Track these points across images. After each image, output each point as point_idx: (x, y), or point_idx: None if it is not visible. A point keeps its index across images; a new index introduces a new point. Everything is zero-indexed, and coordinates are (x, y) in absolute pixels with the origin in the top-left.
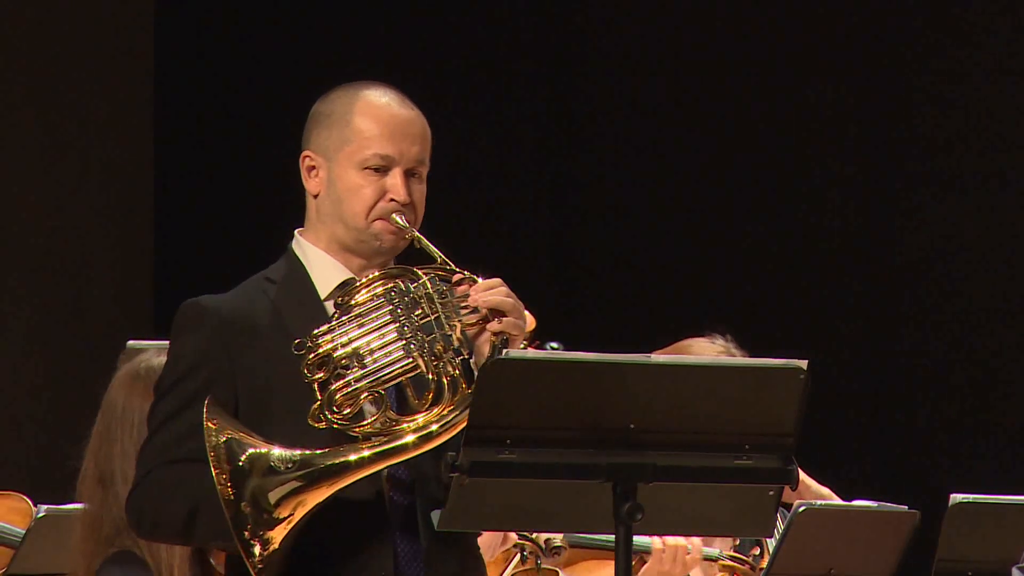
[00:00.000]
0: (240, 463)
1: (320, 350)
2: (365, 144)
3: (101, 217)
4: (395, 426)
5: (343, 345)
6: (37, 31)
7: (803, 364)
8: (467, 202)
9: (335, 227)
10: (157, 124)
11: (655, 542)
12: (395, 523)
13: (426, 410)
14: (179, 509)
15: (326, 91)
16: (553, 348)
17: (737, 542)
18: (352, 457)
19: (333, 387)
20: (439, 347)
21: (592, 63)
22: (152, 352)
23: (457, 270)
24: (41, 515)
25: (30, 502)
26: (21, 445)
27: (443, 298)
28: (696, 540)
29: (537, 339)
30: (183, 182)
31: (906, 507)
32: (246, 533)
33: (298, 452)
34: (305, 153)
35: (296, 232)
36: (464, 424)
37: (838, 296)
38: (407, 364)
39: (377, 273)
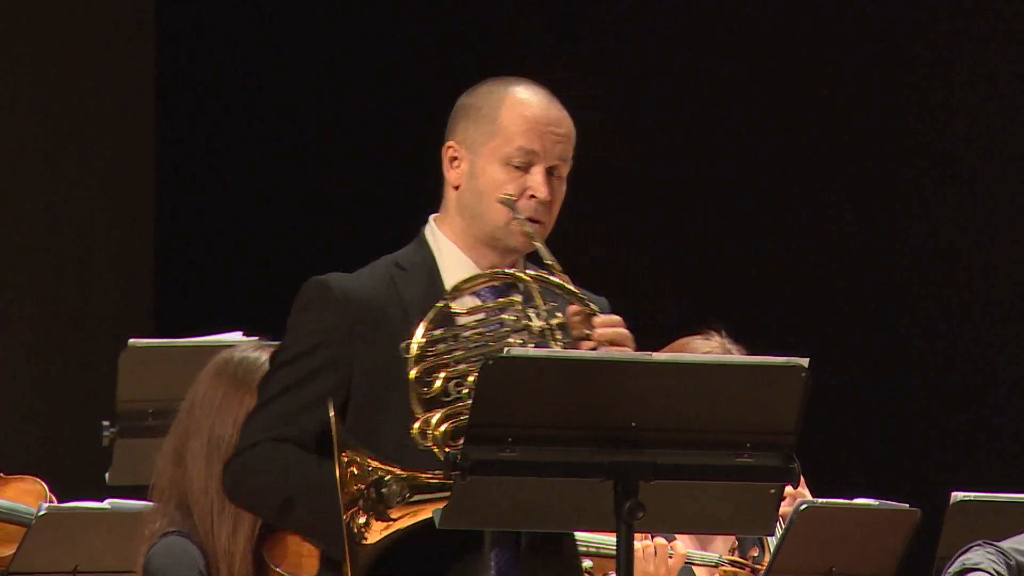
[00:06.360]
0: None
1: (429, 363)
2: (511, 139)
3: (102, 215)
4: None
5: (456, 361)
6: (38, 29)
7: (804, 362)
8: None
9: (472, 221)
10: (158, 123)
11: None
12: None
13: None
14: (279, 493)
15: (323, 89)
16: None
17: (736, 544)
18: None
19: (439, 415)
20: None
21: (597, 57)
22: (244, 347)
23: (577, 293)
24: (43, 513)
25: (45, 485)
26: (24, 443)
27: (560, 326)
28: (679, 543)
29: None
30: (184, 180)
31: (907, 505)
32: (354, 525)
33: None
34: (449, 144)
35: (431, 218)
36: None
37: (839, 294)
38: None
39: (485, 274)
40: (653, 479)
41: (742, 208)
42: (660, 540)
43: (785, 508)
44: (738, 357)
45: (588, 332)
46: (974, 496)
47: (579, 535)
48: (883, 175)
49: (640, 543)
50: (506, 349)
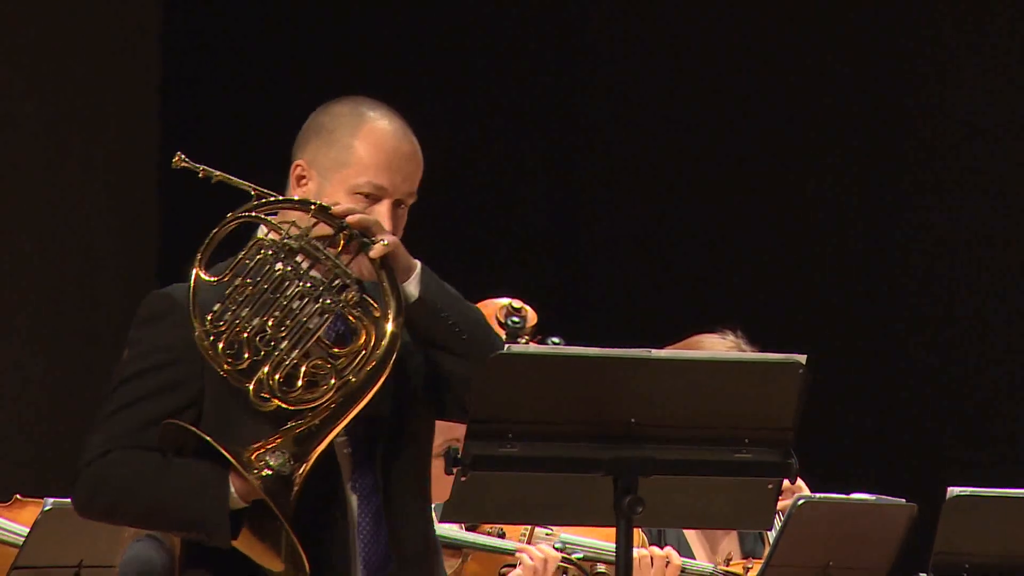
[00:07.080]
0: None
1: (227, 338)
2: (361, 171)
3: (106, 212)
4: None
5: (247, 320)
6: (40, 29)
7: (802, 359)
8: (472, 196)
9: None
10: (162, 118)
11: (634, 551)
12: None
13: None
14: (147, 495)
15: (325, 90)
16: (555, 343)
17: (730, 556)
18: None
19: (267, 369)
20: (352, 295)
21: (598, 59)
22: None
23: (269, 193)
24: (48, 508)
25: None
26: (27, 440)
27: (313, 239)
28: (674, 553)
29: (539, 334)
30: (188, 181)
31: (904, 500)
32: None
33: (287, 447)
34: (298, 163)
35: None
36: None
37: (837, 291)
38: (326, 318)
39: (213, 232)
40: (652, 474)
41: (742, 208)
42: (655, 549)
43: (783, 503)
44: (736, 354)
45: (340, 226)
46: (970, 491)
47: (576, 539)
48: (883, 175)
49: (636, 551)
50: (507, 346)
